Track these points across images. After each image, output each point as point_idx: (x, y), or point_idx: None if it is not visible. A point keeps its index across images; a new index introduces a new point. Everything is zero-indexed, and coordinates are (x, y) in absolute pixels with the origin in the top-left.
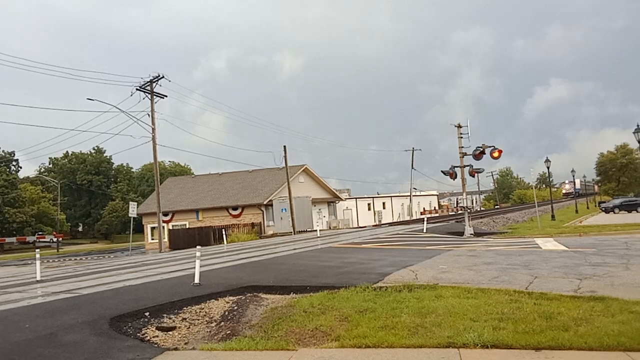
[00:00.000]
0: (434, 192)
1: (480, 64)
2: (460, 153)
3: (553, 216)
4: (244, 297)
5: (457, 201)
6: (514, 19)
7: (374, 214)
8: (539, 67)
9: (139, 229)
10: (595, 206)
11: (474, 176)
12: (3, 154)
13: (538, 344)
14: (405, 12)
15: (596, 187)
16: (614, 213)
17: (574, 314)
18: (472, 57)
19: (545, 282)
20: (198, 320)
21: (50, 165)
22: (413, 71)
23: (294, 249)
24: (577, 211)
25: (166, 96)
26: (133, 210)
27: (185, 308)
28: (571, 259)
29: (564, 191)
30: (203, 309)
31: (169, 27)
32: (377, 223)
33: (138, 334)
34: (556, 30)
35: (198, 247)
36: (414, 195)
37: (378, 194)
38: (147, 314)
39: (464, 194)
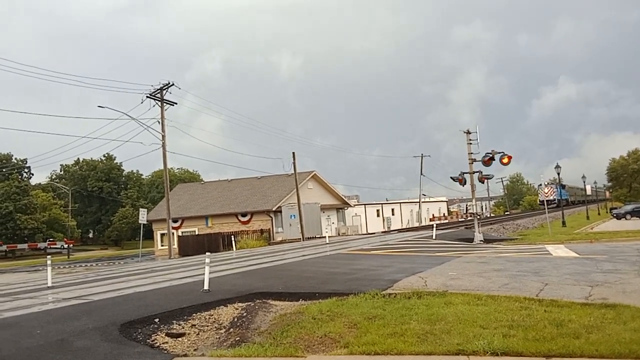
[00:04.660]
0: (443, 199)
1: (485, 61)
2: (469, 159)
3: (564, 222)
4: (252, 304)
5: (466, 207)
6: (519, 12)
7: (383, 220)
8: (547, 66)
9: (149, 236)
10: (607, 212)
11: (483, 182)
12: (15, 161)
13: (549, 351)
14: (408, 11)
15: (607, 193)
16: (626, 219)
17: (585, 322)
18: (475, 54)
19: (556, 289)
20: (207, 326)
21: (62, 172)
22: (415, 71)
23: (303, 256)
24: (588, 217)
25: (176, 103)
26: (143, 216)
27: (194, 314)
28: (582, 265)
29: (540, 198)
30: (212, 315)
31: (174, 35)
32: (386, 229)
33: (148, 340)
34: (564, 25)
35: (207, 253)
36: (423, 202)
37: (387, 200)
38: (156, 320)
39: (474, 200)
